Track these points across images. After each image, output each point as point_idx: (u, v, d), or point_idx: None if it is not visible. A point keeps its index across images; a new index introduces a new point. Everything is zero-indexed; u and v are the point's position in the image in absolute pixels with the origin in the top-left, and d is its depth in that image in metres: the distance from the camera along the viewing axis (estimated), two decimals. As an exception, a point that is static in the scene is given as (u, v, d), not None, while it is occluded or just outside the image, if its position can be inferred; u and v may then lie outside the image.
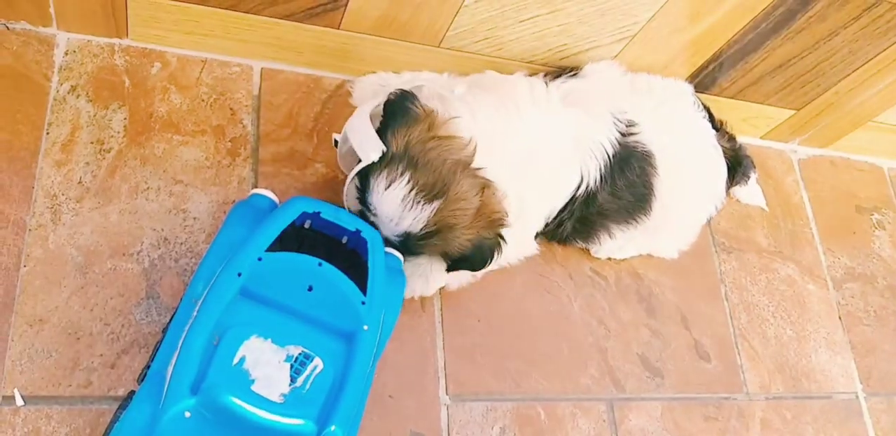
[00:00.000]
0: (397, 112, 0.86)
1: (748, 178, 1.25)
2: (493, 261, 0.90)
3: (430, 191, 0.83)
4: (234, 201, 0.96)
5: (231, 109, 1.03)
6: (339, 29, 1.02)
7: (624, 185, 1.01)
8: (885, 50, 1.17)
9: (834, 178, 1.48)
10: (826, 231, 1.39)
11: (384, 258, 0.85)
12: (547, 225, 1.02)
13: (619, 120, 1.01)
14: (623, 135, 1.00)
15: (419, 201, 0.83)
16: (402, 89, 0.88)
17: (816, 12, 1.06)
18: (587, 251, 1.15)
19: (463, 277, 1.01)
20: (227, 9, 0.96)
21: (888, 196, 1.51)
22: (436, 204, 0.83)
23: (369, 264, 0.83)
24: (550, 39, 1.08)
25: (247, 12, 0.97)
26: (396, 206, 0.83)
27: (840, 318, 1.31)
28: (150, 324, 0.85)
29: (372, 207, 0.85)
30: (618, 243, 1.11)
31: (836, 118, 1.37)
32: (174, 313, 0.80)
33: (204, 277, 0.80)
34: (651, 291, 1.17)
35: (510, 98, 0.95)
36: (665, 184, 1.04)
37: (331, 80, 1.10)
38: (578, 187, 0.98)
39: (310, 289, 0.78)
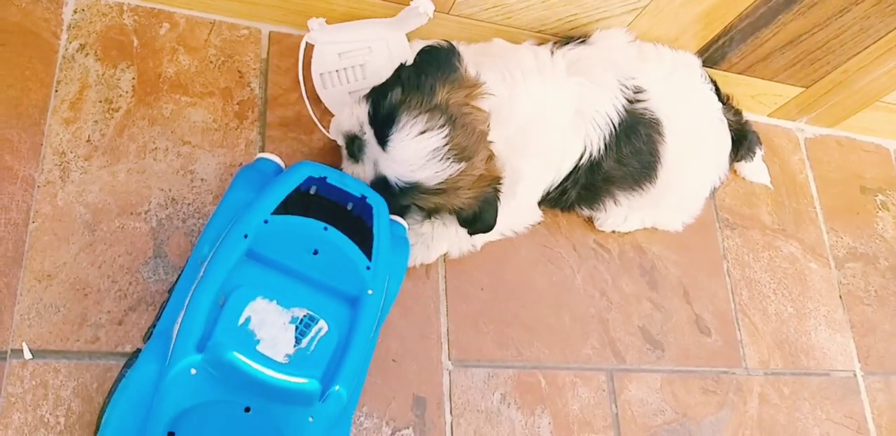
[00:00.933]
0: (443, 64, 0.86)
1: (753, 153, 1.25)
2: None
3: (460, 153, 0.84)
4: (240, 164, 0.96)
5: (239, 71, 1.02)
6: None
7: (630, 152, 1.01)
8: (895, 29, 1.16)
9: (840, 158, 1.47)
10: (830, 211, 1.39)
11: (389, 225, 0.85)
12: (549, 193, 1.02)
13: (626, 87, 1.00)
14: (630, 102, 1.00)
15: (449, 159, 0.83)
16: (448, 42, 0.89)
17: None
18: (591, 224, 1.15)
19: (464, 244, 1.02)
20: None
21: (893, 177, 1.51)
22: (462, 166, 0.84)
23: (374, 230, 0.83)
24: (560, 9, 1.07)
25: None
26: (423, 154, 0.82)
27: (841, 297, 1.32)
28: (158, 282, 0.85)
29: (388, 143, 0.83)
30: (622, 214, 1.11)
31: (845, 97, 1.36)
32: (180, 274, 0.81)
33: (210, 239, 0.81)
34: (654, 265, 1.17)
35: (514, 67, 0.95)
36: (672, 152, 1.04)
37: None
38: (581, 157, 0.98)
39: (315, 253, 0.79)
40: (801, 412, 1.17)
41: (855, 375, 1.26)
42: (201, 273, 0.77)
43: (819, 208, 1.39)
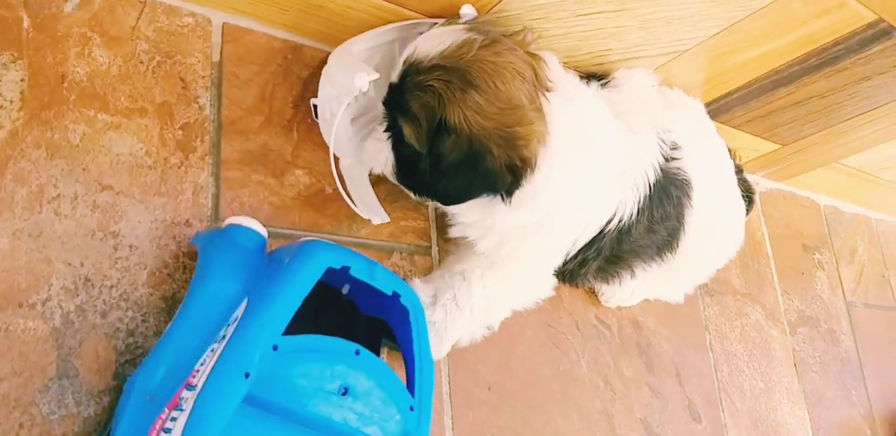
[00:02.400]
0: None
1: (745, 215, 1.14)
2: (494, 190, 0.69)
3: (484, 31, 0.67)
4: (188, 222, 0.65)
5: (182, 79, 0.70)
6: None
7: (660, 217, 0.84)
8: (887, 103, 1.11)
9: (786, 214, 1.42)
10: (782, 271, 1.33)
11: (427, 336, 0.60)
12: (566, 263, 0.82)
13: (664, 141, 0.84)
14: (666, 160, 0.83)
15: (462, 28, 0.67)
16: None
17: (867, 55, 0.95)
18: (593, 295, 0.96)
19: (478, 330, 0.79)
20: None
21: (824, 235, 1.49)
22: (476, 36, 0.66)
23: (414, 348, 0.58)
24: (597, 42, 0.87)
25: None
26: (439, 33, 0.67)
27: (795, 365, 1.26)
28: (65, 420, 0.53)
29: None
30: (632, 288, 0.94)
31: (811, 157, 1.30)
32: (115, 416, 0.50)
33: (168, 359, 0.51)
34: (649, 342, 1.02)
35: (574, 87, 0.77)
36: (696, 218, 0.89)
37: (314, 50, 0.80)
38: (609, 222, 0.79)
39: (344, 392, 0.52)
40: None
41: (811, 450, 1.20)
42: (158, 427, 0.47)
43: (774, 269, 1.32)
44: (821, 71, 0.99)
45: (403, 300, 0.59)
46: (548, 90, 0.68)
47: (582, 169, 0.74)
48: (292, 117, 0.76)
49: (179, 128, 0.68)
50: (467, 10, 0.74)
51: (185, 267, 0.64)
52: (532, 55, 0.69)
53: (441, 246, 0.83)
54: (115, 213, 0.62)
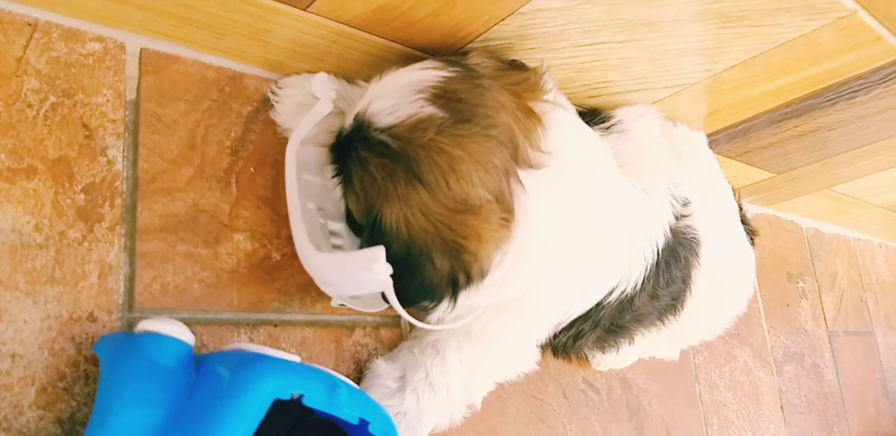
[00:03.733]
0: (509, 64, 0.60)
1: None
2: (433, 300, 0.56)
3: (449, 100, 0.52)
4: (91, 316, 0.50)
5: (85, 125, 0.54)
6: (305, 10, 0.58)
7: (666, 282, 0.74)
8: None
9: (772, 241, 1.33)
10: (768, 305, 1.25)
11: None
12: (558, 335, 0.70)
13: (675, 198, 0.73)
14: (677, 218, 0.72)
15: (424, 96, 0.52)
16: None
17: (889, 90, 0.85)
18: (580, 359, 0.85)
19: (458, 411, 0.66)
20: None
21: (807, 260, 1.41)
22: (433, 113, 0.51)
23: None
24: (597, 74, 0.75)
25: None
26: (401, 84, 0.54)
27: (782, 408, 1.18)
28: None
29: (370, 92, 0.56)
30: (625, 355, 0.83)
31: (803, 184, 1.21)
32: None
33: None
34: (639, 403, 0.91)
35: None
36: (703, 277, 0.78)
37: (258, 81, 0.65)
38: (610, 293, 0.67)
39: None
40: None
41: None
42: None
43: (761, 305, 1.23)
44: (835, 105, 0.89)
45: (373, 429, 0.45)
46: (532, 166, 0.55)
47: (569, 249, 0.61)
48: (230, 167, 0.62)
49: (81, 190, 0.53)
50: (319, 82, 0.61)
51: (87, 377, 0.49)
52: (529, 115, 0.55)
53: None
54: (-11, 312, 0.46)
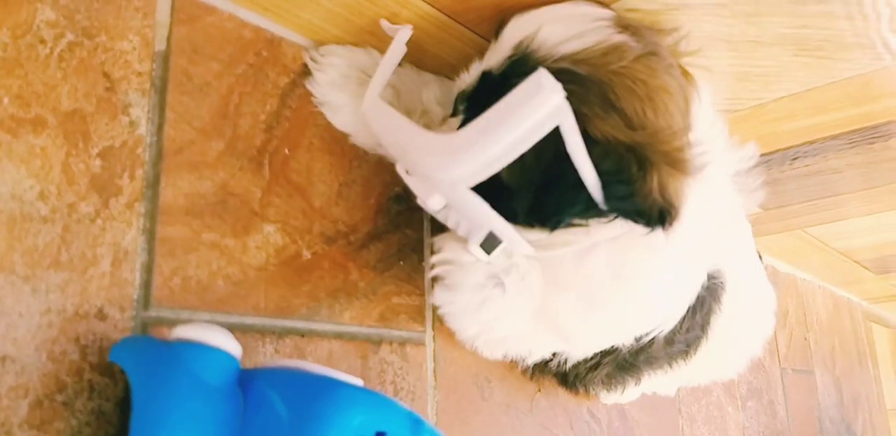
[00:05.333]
0: None
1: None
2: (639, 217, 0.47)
3: (637, 33, 0.47)
4: (101, 313, 0.39)
5: (106, 75, 0.44)
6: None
7: (686, 329, 0.68)
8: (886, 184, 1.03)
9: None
10: (734, 338, 1.23)
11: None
12: (576, 366, 0.64)
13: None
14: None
15: (608, 24, 0.46)
16: None
17: (901, 144, 0.85)
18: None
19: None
20: None
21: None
22: (627, 41, 0.45)
23: None
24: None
25: None
26: (568, 12, 0.47)
27: (746, 445, 1.15)
28: None
29: None
30: (630, 392, 0.78)
31: (784, 223, 1.21)
32: None
33: None
34: (633, 435, 0.86)
35: None
36: (722, 324, 0.73)
37: (296, 47, 0.56)
38: (649, 333, 0.63)
39: None
40: None
41: None
42: None
43: (730, 337, 1.21)
44: (853, 148, 0.88)
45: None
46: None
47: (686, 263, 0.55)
48: (263, 145, 0.52)
49: (97, 155, 0.42)
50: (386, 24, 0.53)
51: (92, 389, 0.38)
52: (686, 75, 0.50)
53: (437, 329, 0.62)
54: (-24, 300, 0.35)
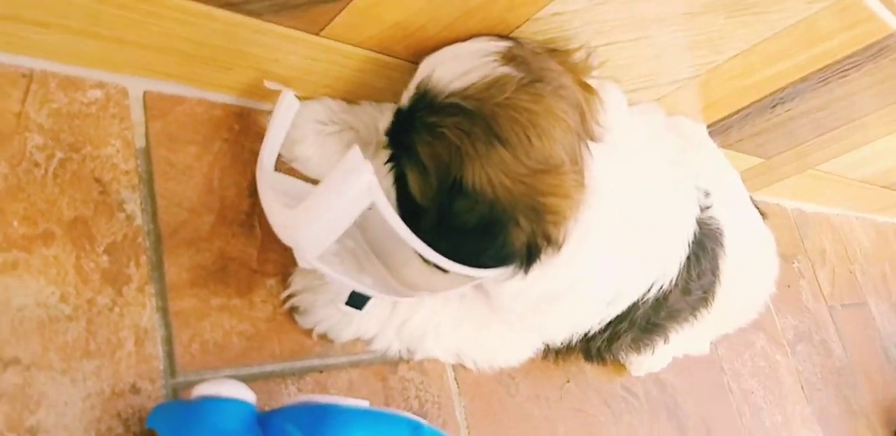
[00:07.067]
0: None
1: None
2: (503, 264, 0.51)
3: (520, 63, 0.49)
4: (134, 387, 0.45)
5: (97, 180, 0.49)
6: (318, 35, 0.53)
7: (696, 275, 0.71)
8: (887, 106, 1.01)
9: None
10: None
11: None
12: (593, 339, 0.67)
13: (699, 190, 0.71)
14: (701, 210, 0.70)
15: (494, 58, 0.49)
16: None
17: (878, 66, 0.84)
18: (616, 364, 0.81)
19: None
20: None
21: (797, 239, 1.39)
22: (510, 73, 0.48)
23: None
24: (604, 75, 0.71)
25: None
26: (463, 51, 0.50)
27: (802, 387, 1.15)
28: None
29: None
30: (661, 355, 0.80)
31: (791, 166, 1.19)
32: None
33: None
34: (675, 402, 0.88)
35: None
36: (731, 266, 0.75)
37: (264, 113, 0.61)
38: (648, 290, 0.64)
39: None
40: None
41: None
42: None
43: (767, 287, 1.20)
44: (826, 85, 0.87)
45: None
46: (592, 139, 0.52)
47: (620, 241, 0.58)
48: (251, 208, 0.57)
49: (103, 251, 0.47)
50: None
51: (139, 454, 0.44)
52: (586, 89, 0.52)
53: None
54: (27, 399, 0.41)
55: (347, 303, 0.51)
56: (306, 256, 0.45)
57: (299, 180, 0.59)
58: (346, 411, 0.41)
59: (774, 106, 0.91)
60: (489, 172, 0.47)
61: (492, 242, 0.49)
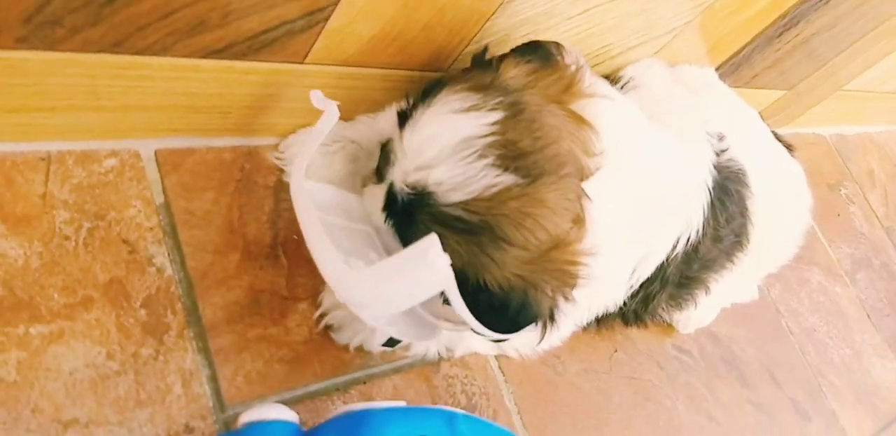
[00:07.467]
0: (531, 46, 0.53)
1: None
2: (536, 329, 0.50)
3: (515, 158, 0.45)
4: (188, 427, 0.47)
5: (125, 241, 0.51)
6: (303, 63, 0.53)
7: (725, 220, 0.67)
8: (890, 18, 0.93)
9: (801, 158, 1.24)
10: (820, 220, 1.16)
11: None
12: (627, 304, 0.65)
13: (710, 135, 0.67)
14: (717, 154, 0.66)
15: (490, 160, 0.45)
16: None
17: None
18: (661, 326, 0.79)
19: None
20: (86, 52, 0.44)
21: (841, 165, 1.31)
22: (512, 181, 0.44)
23: None
24: (595, 40, 0.69)
25: (136, 54, 0.46)
26: (452, 142, 0.45)
27: (868, 316, 1.09)
28: None
29: (406, 127, 0.48)
30: (706, 307, 0.77)
31: (816, 92, 1.12)
32: None
33: None
34: (732, 353, 0.85)
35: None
36: (760, 204, 0.71)
37: (272, 148, 0.61)
38: (675, 246, 0.62)
39: None
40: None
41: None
42: None
43: (813, 221, 1.14)
44: (828, 2, 0.81)
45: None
46: (592, 174, 0.50)
47: (631, 222, 0.56)
48: (273, 240, 0.58)
49: (140, 306, 0.49)
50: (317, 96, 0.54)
51: (206, 486, 0.46)
52: (580, 126, 0.49)
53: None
54: (92, 453, 0.43)
55: (384, 344, 0.53)
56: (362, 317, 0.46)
57: (330, 186, 0.58)
58: (380, 412, 0.42)
59: (781, 34, 0.85)
60: (506, 272, 0.46)
61: (525, 317, 0.48)
